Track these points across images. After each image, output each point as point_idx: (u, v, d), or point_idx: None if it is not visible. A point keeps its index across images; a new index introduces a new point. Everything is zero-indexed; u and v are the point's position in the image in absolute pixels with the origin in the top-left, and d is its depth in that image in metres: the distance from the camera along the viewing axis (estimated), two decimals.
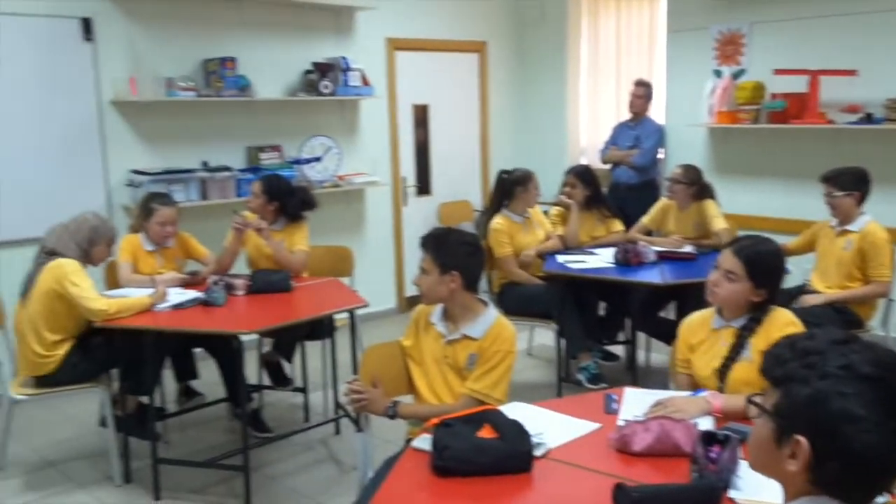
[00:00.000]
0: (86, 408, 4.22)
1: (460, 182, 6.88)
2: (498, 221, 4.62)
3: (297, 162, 5.57)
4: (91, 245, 3.56)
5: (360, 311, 3.81)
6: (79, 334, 3.52)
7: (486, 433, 2.02)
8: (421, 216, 6.55)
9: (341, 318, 4.12)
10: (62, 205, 4.25)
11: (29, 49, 4.53)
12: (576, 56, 6.85)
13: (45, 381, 3.50)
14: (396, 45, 6.24)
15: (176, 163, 5.08)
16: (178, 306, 3.59)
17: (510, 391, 2.61)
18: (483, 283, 3.01)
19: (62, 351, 3.46)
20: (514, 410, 2.28)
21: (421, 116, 6.56)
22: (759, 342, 2.44)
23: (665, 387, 2.78)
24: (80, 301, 3.36)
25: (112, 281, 4.05)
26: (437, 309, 2.72)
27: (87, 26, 4.73)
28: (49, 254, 3.47)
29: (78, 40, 4.72)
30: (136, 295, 3.59)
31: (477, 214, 6.94)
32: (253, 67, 5.33)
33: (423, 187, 6.65)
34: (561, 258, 4.47)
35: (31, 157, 4.59)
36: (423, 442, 2.10)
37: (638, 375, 4.48)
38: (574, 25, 6.79)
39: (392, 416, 2.59)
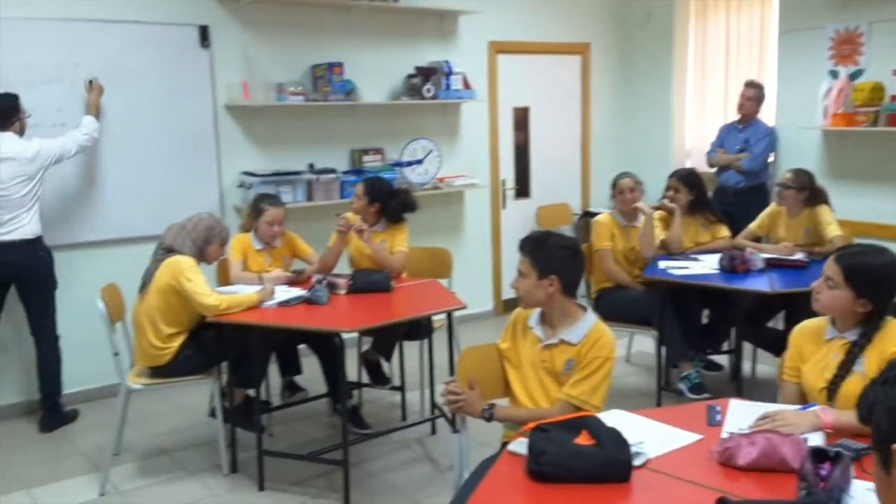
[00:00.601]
0: (197, 399, 4.42)
1: (560, 185, 6.84)
2: (603, 216, 4.60)
3: (399, 164, 5.67)
4: (206, 244, 3.73)
5: (457, 313, 3.84)
6: (192, 328, 3.69)
7: (583, 440, 2.00)
8: (519, 219, 6.54)
9: (439, 319, 4.17)
10: (179, 204, 4.48)
11: (151, 55, 4.79)
12: (682, 57, 6.69)
13: (159, 372, 3.69)
14: (498, 48, 6.26)
15: (284, 165, 5.26)
16: (284, 304, 3.71)
17: (608, 398, 2.58)
18: (581, 289, 2.98)
19: (176, 343, 3.64)
20: (613, 418, 2.26)
21: (521, 119, 6.55)
22: (872, 356, 2.33)
23: (772, 400, 2.68)
24: (193, 296, 3.53)
25: (224, 278, 4.24)
26: (535, 313, 2.72)
27: (204, 33, 4.96)
28: (167, 251, 3.65)
29: (196, 47, 4.95)
30: (246, 292, 3.74)
31: (576, 218, 6.88)
32: (358, 72, 5.46)
33: (522, 190, 6.64)
34: (663, 264, 4.38)
35: (151, 158, 4.85)
36: (520, 446, 2.11)
37: (743, 387, 4.33)
38: (681, 26, 6.64)
39: (488, 419, 2.60)
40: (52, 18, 4.45)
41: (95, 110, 4.48)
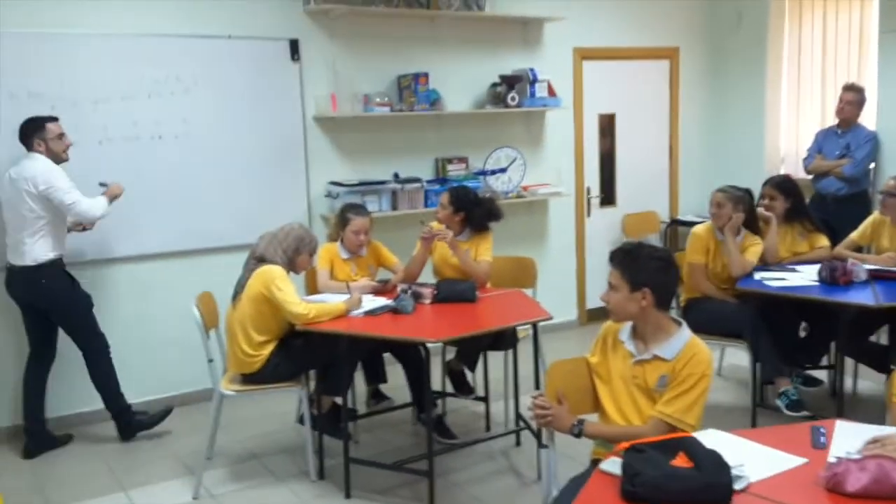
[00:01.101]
0: (287, 405, 4.50)
1: (646, 193, 6.69)
2: (701, 228, 4.46)
3: (483, 173, 5.66)
4: (296, 254, 3.80)
5: (542, 323, 3.79)
6: (282, 336, 3.76)
7: (680, 462, 1.94)
8: (605, 227, 6.44)
9: (523, 329, 4.12)
10: (269, 214, 4.58)
11: (244, 69, 4.92)
12: (776, 60, 6.46)
13: (250, 379, 3.77)
14: (584, 54, 6.18)
15: (370, 174, 5.32)
16: (370, 313, 3.75)
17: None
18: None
19: (267, 351, 3.72)
20: (710, 438, 2.17)
21: (607, 126, 6.45)
22: None
23: (879, 420, 2.54)
24: (283, 305, 3.60)
25: (312, 287, 4.31)
26: (627, 326, 2.65)
27: (294, 47, 5.07)
28: (259, 260, 3.74)
29: (286, 60, 5.06)
30: (333, 301, 3.79)
31: (664, 226, 6.73)
32: (443, 82, 5.48)
33: (608, 198, 6.53)
34: (758, 275, 4.22)
35: (243, 169, 4.98)
36: (612, 465, 2.05)
37: (844, 405, 4.12)
38: (775, 28, 6.40)
39: (577, 435, 2.55)
40: (153, 35, 4.62)
41: (111, 197, 4.22)
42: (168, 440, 4.40)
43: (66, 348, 4.33)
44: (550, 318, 3.72)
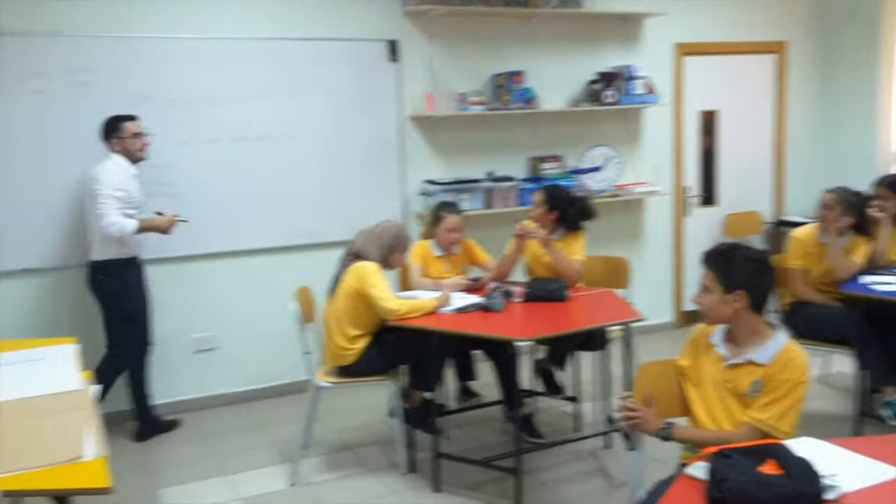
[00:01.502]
0: (379, 398, 4.61)
1: (749, 192, 6.48)
2: (801, 231, 4.30)
3: (577, 172, 5.62)
4: (391, 251, 3.89)
5: (634, 324, 3.74)
6: (375, 331, 3.86)
7: (768, 468, 1.89)
8: (704, 228, 6.27)
9: (615, 329, 4.08)
10: (366, 212, 4.71)
11: (344, 69, 5.06)
12: (890, 53, 6.12)
13: (345, 372, 3.89)
14: (685, 49, 6.04)
15: (464, 173, 5.37)
16: (461, 310, 3.79)
17: (798, 423, 2.41)
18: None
19: (361, 345, 3.82)
20: (804, 446, 2.10)
21: (708, 123, 6.28)
22: None
23: None
24: (376, 301, 3.70)
25: (405, 283, 4.40)
26: (719, 330, 2.60)
27: (393, 48, 5.17)
28: (354, 256, 3.85)
29: (385, 61, 5.17)
30: (425, 297, 3.86)
31: (768, 227, 6.50)
32: (539, 80, 5.48)
33: (708, 197, 6.36)
34: (866, 279, 4.02)
35: (342, 167, 5.12)
36: (699, 470, 2.02)
37: None
38: (889, 21, 6.07)
39: (665, 438, 2.51)
40: (261, 38, 4.82)
41: (146, 226, 4.19)
42: (270, 427, 4.58)
43: (169, 338, 4.58)
44: (642, 320, 3.67)
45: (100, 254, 4.20)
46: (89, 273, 4.26)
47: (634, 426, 2.56)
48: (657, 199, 6.04)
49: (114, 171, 4.12)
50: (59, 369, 3.01)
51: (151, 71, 4.57)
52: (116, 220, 4.04)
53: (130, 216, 4.13)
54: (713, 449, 2.00)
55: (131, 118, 4.23)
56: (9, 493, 2.05)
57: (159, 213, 4.28)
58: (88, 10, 4.40)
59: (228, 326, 4.92)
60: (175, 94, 4.64)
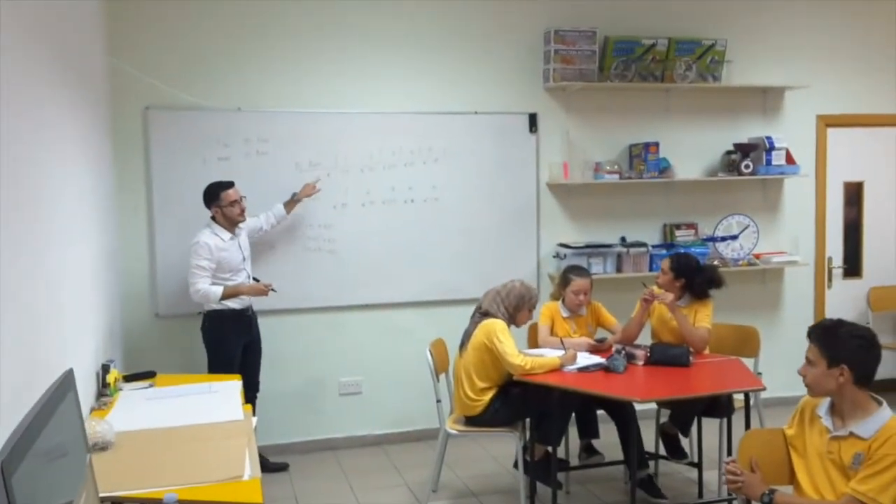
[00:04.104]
0: (507, 450, 4.84)
1: None
2: None
3: (712, 239, 5.69)
4: (517, 311, 4.18)
5: (766, 395, 3.78)
6: (502, 384, 4.13)
7: None
8: (848, 300, 6.12)
9: (741, 398, 4.13)
10: (502, 271, 4.97)
11: (487, 140, 5.46)
12: None
13: (472, 421, 4.17)
14: (828, 121, 6.02)
15: (597, 238, 5.60)
16: (584, 369, 4.00)
17: None
18: None
19: (487, 397, 4.10)
20: None
21: (854, 194, 6.18)
22: None
23: None
24: (503, 356, 3.98)
25: (533, 341, 4.65)
26: (825, 402, 2.69)
27: (533, 120, 5.54)
28: (483, 314, 4.16)
29: (525, 132, 5.54)
30: (550, 355, 4.10)
31: None
32: (674, 149, 5.65)
33: (852, 269, 6.21)
34: None
35: (482, 229, 5.48)
36: None
37: None
38: None
39: (767, 503, 2.62)
40: (411, 112, 5.31)
41: (231, 293, 4.52)
42: (401, 471, 4.91)
43: (320, 380, 5.04)
44: (763, 389, 3.74)
45: (203, 306, 4.61)
46: (201, 320, 4.70)
47: (737, 490, 2.69)
48: (797, 269, 5.98)
49: (208, 242, 4.48)
50: (225, 402, 3.49)
51: (317, 142, 5.15)
52: (200, 287, 4.45)
53: (226, 278, 4.53)
54: None
55: (230, 185, 4.58)
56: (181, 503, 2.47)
57: (256, 280, 4.71)
58: (264, 88, 5.05)
59: (372, 372, 5.35)
60: (337, 161, 5.19)
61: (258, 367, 4.86)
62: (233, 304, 4.59)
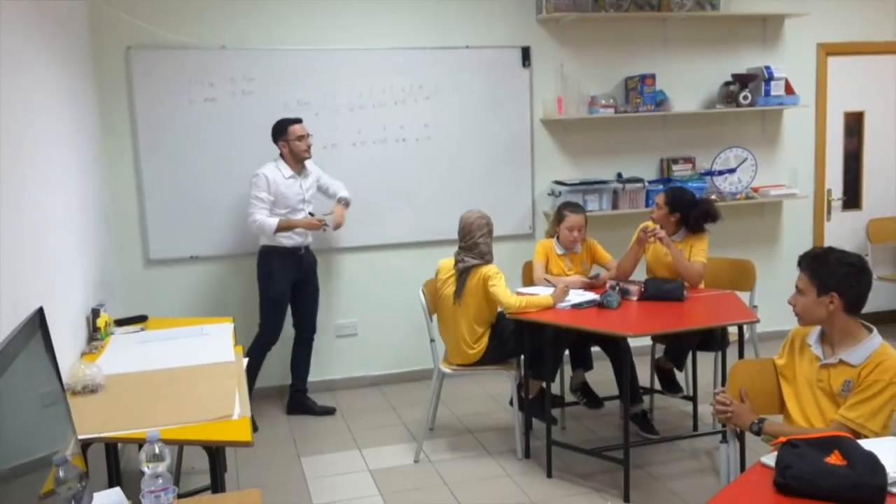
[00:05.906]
0: (501, 387, 4.86)
1: None
2: None
3: (709, 174, 5.61)
4: (489, 236, 4.13)
5: (762, 329, 3.75)
6: (493, 322, 4.12)
7: (834, 459, 1.98)
8: (846, 232, 6.07)
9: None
10: (496, 210, 4.77)
11: (479, 76, 5.35)
12: None
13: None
14: (829, 49, 5.87)
15: (592, 174, 5.52)
16: (577, 306, 3.98)
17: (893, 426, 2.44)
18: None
19: (484, 342, 4.10)
20: (877, 444, 2.16)
21: (853, 124, 6.08)
22: None
23: None
24: (496, 296, 3.96)
25: (527, 279, 4.62)
26: (815, 331, 2.67)
27: (525, 54, 5.41)
28: (468, 268, 4.10)
29: (518, 66, 5.42)
30: (543, 293, 4.07)
31: None
32: (671, 82, 5.53)
33: (851, 201, 6.14)
34: None
35: (475, 168, 5.41)
36: (772, 459, 2.13)
37: None
38: None
39: (757, 433, 2.62)
40: (401, 48, 5.19)
41: (285, 225, 4.56)
42: (398, 410, 4.95)
43: (318, 323, 5.03)
44: (757, 322, 3.71)
45: (260, 242, 4.71)
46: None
47: (726, 420, 2.68)
48: (795, 202, 5.92)
49: (268, 175, 4.54)
50: (217, 344, 3.49)
51: (306, 80, 5.04)
52: (258, 218, 4.50)
53: (282, 214, 4.57)
54: (783, 439, 2.11)
55: (297, 121, 4.63)
56: (169, 442, 2.47)
57: (311, 214, 4.71)
58: (249, 25, 4.92)
59: (368, 314, 5.34)
60: (326, 101, 5.09)
61: (313, 308, 4.93)
62: (285, 241, 4.63)
